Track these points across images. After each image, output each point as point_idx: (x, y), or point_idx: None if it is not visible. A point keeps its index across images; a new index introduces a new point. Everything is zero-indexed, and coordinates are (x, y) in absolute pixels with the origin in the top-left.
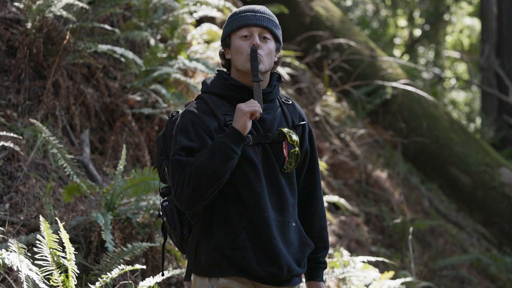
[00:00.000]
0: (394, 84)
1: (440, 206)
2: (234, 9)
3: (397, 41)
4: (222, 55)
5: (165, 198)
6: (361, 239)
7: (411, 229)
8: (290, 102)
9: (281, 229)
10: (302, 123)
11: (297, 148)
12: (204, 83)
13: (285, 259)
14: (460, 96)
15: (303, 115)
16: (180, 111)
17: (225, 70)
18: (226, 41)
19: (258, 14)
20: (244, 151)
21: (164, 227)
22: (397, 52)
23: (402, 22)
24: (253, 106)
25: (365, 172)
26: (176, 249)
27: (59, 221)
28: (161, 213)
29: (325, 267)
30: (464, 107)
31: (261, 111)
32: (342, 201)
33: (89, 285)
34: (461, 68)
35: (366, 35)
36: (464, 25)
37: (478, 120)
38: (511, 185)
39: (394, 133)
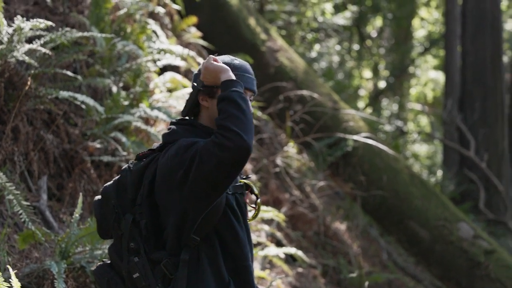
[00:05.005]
0: (355, 137)
1: (399, 259)
2: (204, 59)
3: (362, 92)
4: (196, 97)
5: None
6: None
7: (366, 283)
8: None
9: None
10: (249, 176)
11: (259, 200)
12: (174, 132)
13: None
14: (422, 149)
15: None
16: (131, 163)
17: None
18: (212, 91)
19: (251, 77)
20: (227, 199)
21: None
22: (361, 103)
23: (367, 73)
24: (204, 62)
25: (324, 224)
26: None
27: (10, 269)
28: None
29: None
30: (426, 160)
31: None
32: (299, 253)
33: None
34: (424, 121)
35: (330, 87)
36: (428, 78)
37: (440, 174)
38: (469, 240)
39: (354, 186)
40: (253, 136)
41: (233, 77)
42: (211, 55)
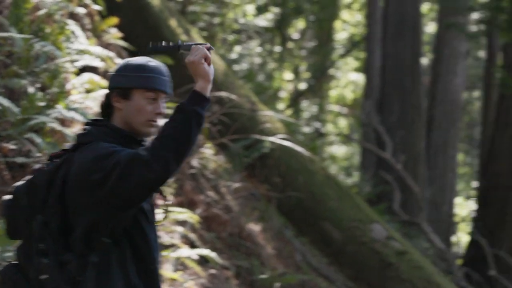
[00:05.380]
0: (271, 138)
1: (312, 260)
2: (123, 60)
3: (282, 94)
4: (109, 98)
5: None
6: None
7: (277, 284)
8: None
9: None
10: None
11: (168, 202)
12: (89, 133)
13: None
14: (340, 151)
15: None
16: (44, 163)
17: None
18: (125, 92)
19: (166, 79)
20: None
21: None
22: (281, 105)
23: (289, 75)
24: (200, 51)
25: (239, 225)
26: None
27: None
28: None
29: None
30: (343, 161)
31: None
32: (213, 254)
33: None
34: (344, 123)
35: (249, 88)
36: (349, 80)
37: (357, 175)
38: (381, 241)
39: (270, 187)
40: (184, 160)
41: (207, 92)
42: (204, 45)
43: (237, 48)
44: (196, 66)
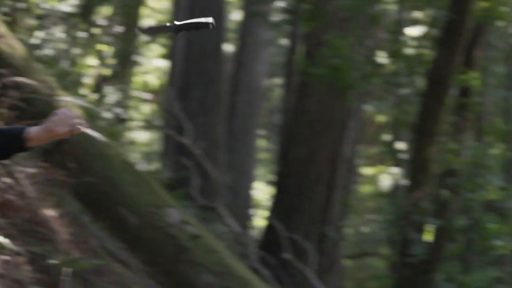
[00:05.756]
0: None
1: (109, 245)
2: None
3: (86, 80)
4: None
5: None
6: (22, 278)
7: (68, 269)
8: None
9: None
10: None
11: None
12: None
13: None
14: (142, 136)
15: None
16: None
17: None
18: None
19: None
20: None
21: None
22: (85, 91)
23: (94, 61)
24: (69, 126)
25: (34, 211)
26: None
27: None
28: None
29: None
30: (145, 147)
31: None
32: (5, 240)
33: None
34: (147, 109)
35: (51, 74)
36: (154, 66)
37: (158, 161)
38: (177, 226)
39: (67, 172)
40: None
41: (35, 144)
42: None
43: (40, 34)
44: (57, 133)
